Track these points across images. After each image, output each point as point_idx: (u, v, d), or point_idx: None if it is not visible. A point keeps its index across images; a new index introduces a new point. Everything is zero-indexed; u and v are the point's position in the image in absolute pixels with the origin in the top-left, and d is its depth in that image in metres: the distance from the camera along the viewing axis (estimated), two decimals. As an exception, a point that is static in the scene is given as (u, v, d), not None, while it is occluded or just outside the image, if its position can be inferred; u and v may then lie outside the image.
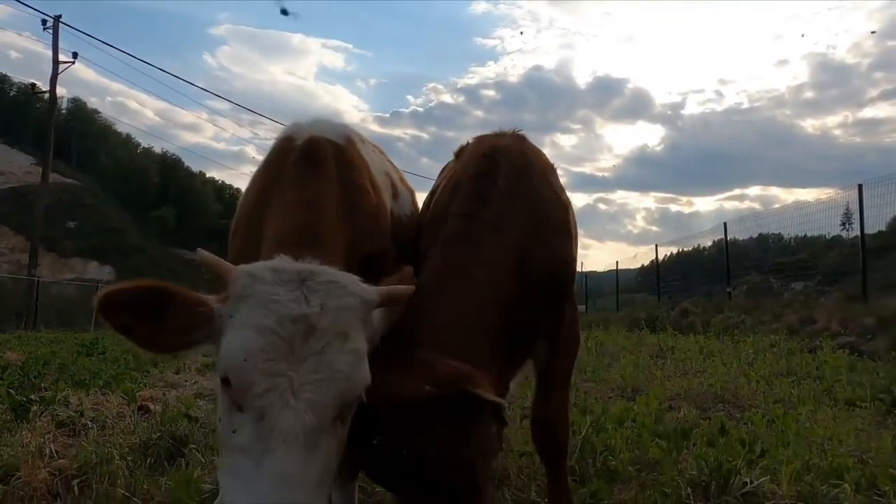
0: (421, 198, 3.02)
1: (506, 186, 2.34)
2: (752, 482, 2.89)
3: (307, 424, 1.40)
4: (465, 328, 1.99)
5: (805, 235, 20.74)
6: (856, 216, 14.39)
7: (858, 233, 14.16)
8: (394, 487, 1.78)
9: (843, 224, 17.09)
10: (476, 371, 1.77)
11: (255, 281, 1.53)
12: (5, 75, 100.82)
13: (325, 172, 2.15)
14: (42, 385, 5.87)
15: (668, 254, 29.45)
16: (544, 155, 2.78)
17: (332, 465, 1.50)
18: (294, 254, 1.71)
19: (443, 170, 3.15)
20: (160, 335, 1.59)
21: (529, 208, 2.36)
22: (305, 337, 1.46)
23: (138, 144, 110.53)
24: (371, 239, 2.24)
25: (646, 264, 30.18)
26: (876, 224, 14.79)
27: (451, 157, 2.94)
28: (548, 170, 2.66)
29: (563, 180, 2.88)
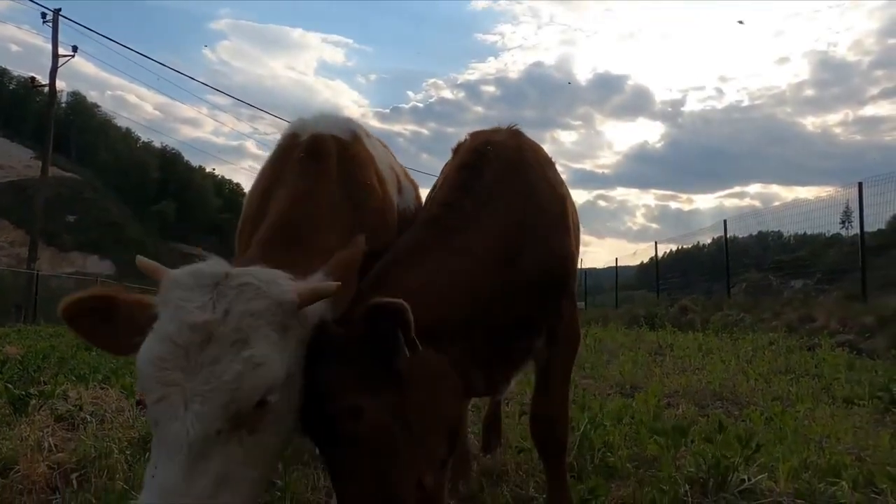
0: (424, 194, 3.02)
1: (493, 179, 2.31)
2: (749, 479, 2.90)
3: (192, 436, 1.39)
4: (428, 300, 1.88)
5: (805, 233, 20.75)
6: (855, 214, 14.41)
7: (858, 231, 14.16)
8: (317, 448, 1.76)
9: (843, 222, 17.09)
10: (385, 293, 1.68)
11: (174, 286, 1.55)
12: (5, 69, 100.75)
13: (326, 168, 2.16)
14: (41, 379, 5.87)
15: (668, 251, 29.46)
16: (542, 149, 2.77)
17: (240, 473, 1.48)
18: (269, 251, 1.75)
19: (444, 167, 3.15)
20: (114, 339, 1.63)
21: (521, 202, 2.33)
22: (202, 345, 1.45)
23: (138, 139, 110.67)
24: (376, 234, 2.23)
25: (645, 261, 30.22)
26: (876, 222, 14.80)
27: (450, 153, 2.93)
28: (544, 164, 2.63)
29: (562, 177, 2.87)
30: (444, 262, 2.06)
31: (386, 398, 1.65)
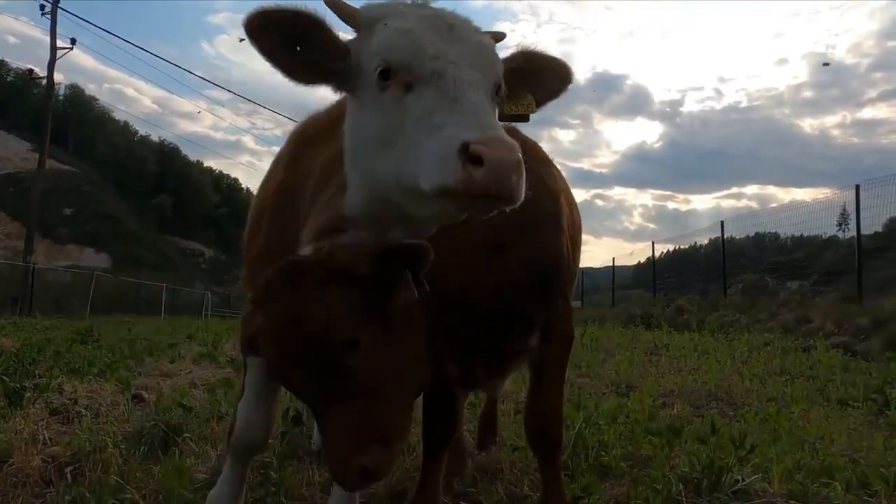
0: None
1: None
2: (743, 480, 2.90)
3: (479, 83, 1.45)
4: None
5: (802, 235, 20.84)
6: (852, 217, 14.47)
7: (855, 233, 14.21)
8: (295, 387, 1.75)
9: (840, 224, 17.16)
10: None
11: (389, 9, 1.58)
12: (2, 60, 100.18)
13: None
14: (36, 372, 5.86)
15: (665, 251, 29.52)
16: (538, 146, 2.74)
17: None
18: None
19: None
20: (301, 63, 1.61)
21: None
22: (450, 29, 1.51)
23: (136, 132, 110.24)
24: None
25: (642, 261, 30.24)
26: (872, 225, 14.89)
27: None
28: (538, 160, 2.60)
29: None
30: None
31: (381, 333, 1.65)
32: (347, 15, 1.61)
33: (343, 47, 1.60)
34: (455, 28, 1.52)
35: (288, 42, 1.57)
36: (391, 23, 1.52)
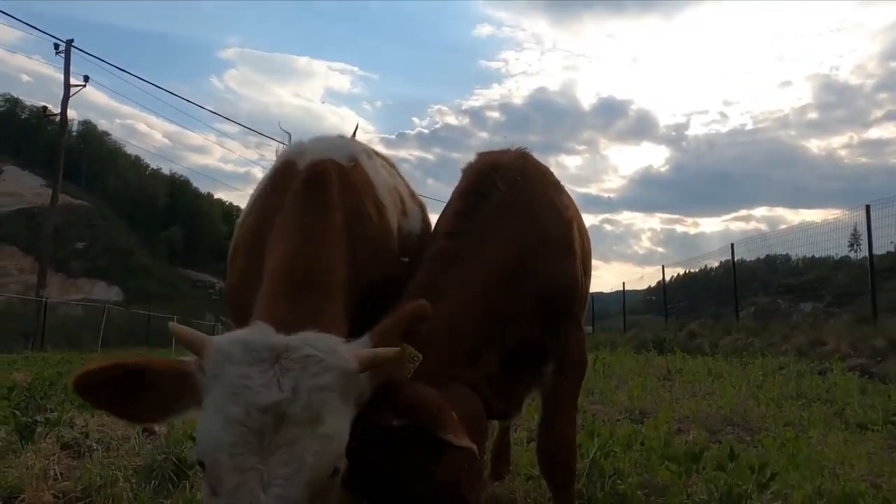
0: (433, 217, 2.99)
1: (497, 204, 2.32)
2: (763, 507, 2.85)
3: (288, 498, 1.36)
4: (440, 351, 1.95)
5: (813, 256, 20.66)
6: (864, 237, 14.36)
7: (867, 254, 14.11)
8: None
9: (851, 245, 17.01)
10: (448, 410, 1.74)
11: (226, 360, 1.48)
12: (17, 98, 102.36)
13: (328, 199, 2.11)
14: (48, 406, 5.87)
15: (675, 275, 29.35)
16: (549, 172, 2.76)
17: None
18: (289, 293, 1.73)
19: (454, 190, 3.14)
20: (142, 409, 1.56)
21: (524, 224, 2.33)
22: (276, 426, 1.40)
23: (147, 166, 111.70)
24: (372, 268, 2.21)
25: (652, 285, 30.07)
26: (884, 245, 14.74)
27: (456, 177, 2.92)
28: (550, 187, 2.62)
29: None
30: (454, 297, 2.08)
31: (454, 463, 1.70)
32: (193, 350, 1.55)
33: (188, 383, 1.53)
34: (285, 422, 1.41)
35: (121, 393, 1.52)
36: (214, 403, 1.45)
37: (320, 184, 2.14)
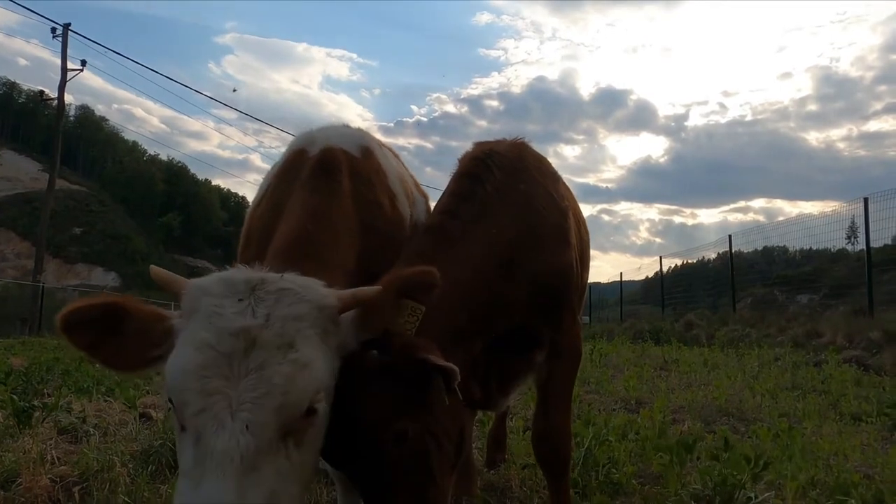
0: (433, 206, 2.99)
1: (493, 188, 2.31)
2: (756, 497, 2.87)
3: (244, 446, 1.30)
4: (428, 320, 1.91)
5: (810, 248, 20.68)
6: (861, 230, 14.38)
7: (864, 246, 14.14)
8: (342, 465, 1.75)
9: (849, 237, 17.04)
10: (428, 342, 1.74)
11: (203, 294, 1.47)
12: (14, 82, 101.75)
13: (337, 185, 2.12)
14: (45, 391, 5.88)
15: (673, 265, 29.40)
16: (547, 162, 2.75)
17: (286, 488, 1.40)
18: (287, 263, 1.68)
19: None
20: (122, 353, 1.54)
21: (519, 212, 2.33)
22: (246, 352, 1.38)
23: (145, 152, 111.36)
24: (383, 256, 2.21)
25: (650, 276, 30.11)
26: (881, 238, 14.77)
27: (454, 166, 2.92)
28: (547, 175, 2.61)
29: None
30: (444, 273, 2.07)
31: (424, 422, 1.71)
32: (173, 291, 1.55)
33: (165, 328, 1.52)
34: (255, 346, 1.39)
35: (103, 335, 1.51)
36: (187, 335, 1.43)
37: (329, 170, 2.15)
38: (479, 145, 2.70)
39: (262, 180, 2.67)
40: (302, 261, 1.77)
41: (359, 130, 2.71)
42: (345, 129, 2.64)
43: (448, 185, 2.52)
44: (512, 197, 2.34)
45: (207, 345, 1.38)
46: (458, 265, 2.10)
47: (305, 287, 1.54)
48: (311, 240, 1.89)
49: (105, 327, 1.51)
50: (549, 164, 2.75)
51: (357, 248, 2.06)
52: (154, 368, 1.56)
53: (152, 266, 1.63)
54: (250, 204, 2.70)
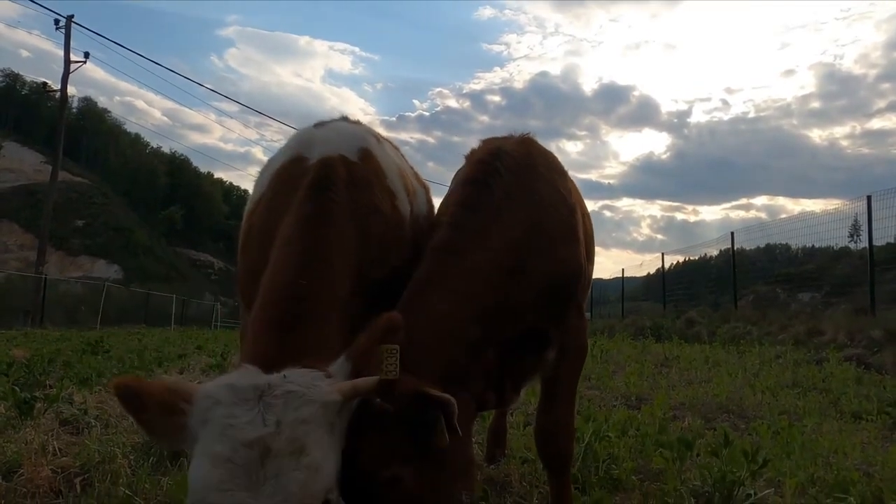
0: (436, 201, 2.98)
1: (502, 194, 2.30)
2: (755, 494, 2.87)
3: None
4: (442, 345, 1.97)
5: (813, 246, 20.64)
6: (864, 228, 14.35)
7: (867, 244, 14.10)
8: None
9: (852, 235, 16.99)
10: (418, 380, 1.76)
11: (213, 404, 1.53)
12: (17, 74, 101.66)
13: (331, 204, 2.11)
14: (47, 382, 5.89)
15: (675, 262, 29.35)
16: (554, 158, 2.73)
17: None
18: (282, 324, 1.77)
19: (456, 174, 3.13)
20: (153, 428, 1.60)
21: (528, 212, 2.32)
22: (262, 460, 1.45)
23: (147, 144, 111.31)
24: (384, 260, 2.23)
25: (652, 272, 30.07)
26: (884, 236, 14.72)
27: (456, 161, 2.92)
28: (555, 172, 2.60)
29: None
30: (455, 290, 2.08)
31: (422, 469, 1.73)
32: (183, 400, 1.57)
33: (179, 424, 1.56)
34: (270, 455, 1.46)
35: (138, 410, 1.56)
36: (202, 447, 1.49)
37: (326, 187, 2.14)
38: (486, 143, 2.69)
39: (259, 174, 2.64)
40: (295, 323, 1.81)
41: (357, 127, 2.67)
42: (343, 128, 2.60)
43: (455, 190, 2.50)
44: (520, 199, 2.33)
45: (225, 458, 1.45)
46: (469, 280, 2.11)
47: (309, 386, 1.59)
48: (303, 293, 1.89)
49: (131, 404, 1.55)
50: (556, 160, 2.74)
51: (355, 263, 2.07)
52: (169, 445, 1.67)
53: (161, 377, 1.67)
54: (248, 201, 2.67)
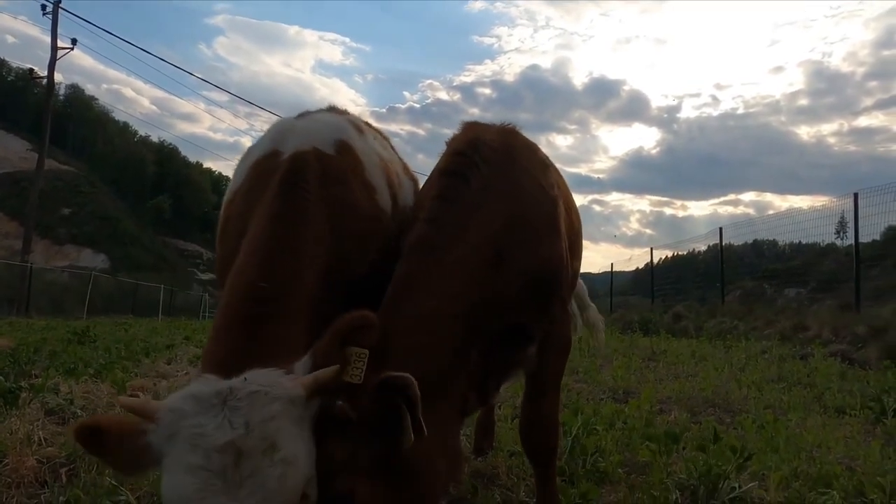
0: None
1: (479, 186, 2.24)
2: (740, 487, 2.90)
3: None
4: (428, 347, 1.94)
5: (800, 242, 20.85)
6: (851, 225, 14.49)
7: (853, 241, 14.24)
8: None
9: (838, 232, 17.15)
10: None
11: (178, 417, 1.51)
12: (2, 60, 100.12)
13: (302, 201, 2.07)
14: (32, 372, 5.85)
15: (663, 257, 29.49)
16: (537, 149, 2.69)
17: None
18: (245, 324, 1.76)
19: (439, 161, 3.07)
20: (116, 463, 1.61)
21: (507, 204, 2.26)
22: (236, 463, 1.44)
23: (135, 133, 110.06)
24: (359, 260, 2.20)
25: (640, 267, 30.21)
26: (870, 233, 14.89)
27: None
28: (536, 164, 2.55)
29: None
30: (435, 290, 2.04)
31: (382, 481, 1.69)
32: (146, 418, 1.55)
33: (141, 446, 1.53)
34: (243, 456, 1.45)
35: (96, 447, 1.54)
36: (173, 460, 1.47)
37: (296, 183, 2.10)
38: (468, 129, 2.61)
39: (238, 162, 2.58)
40: (257, 323, 1.78)
41: (338, 118, 2.61)
42: (324, 119, 2.55)
43: (432, 183, 2.44)
44: (499, 191, 2.27)
45: (198, 467, 1.43)
46: (450, 278, 2.06)
47: (272, 384, 1.58)
48: (266, 293, 1.85)
49: (93, 443, 1.53)
50: (538, 152, 2.69)
51: (327, 261, 2.04)
52: (140, 474, 1.72)
53: (120, 398, 1.71)
54: (227, 191, 2.60)
